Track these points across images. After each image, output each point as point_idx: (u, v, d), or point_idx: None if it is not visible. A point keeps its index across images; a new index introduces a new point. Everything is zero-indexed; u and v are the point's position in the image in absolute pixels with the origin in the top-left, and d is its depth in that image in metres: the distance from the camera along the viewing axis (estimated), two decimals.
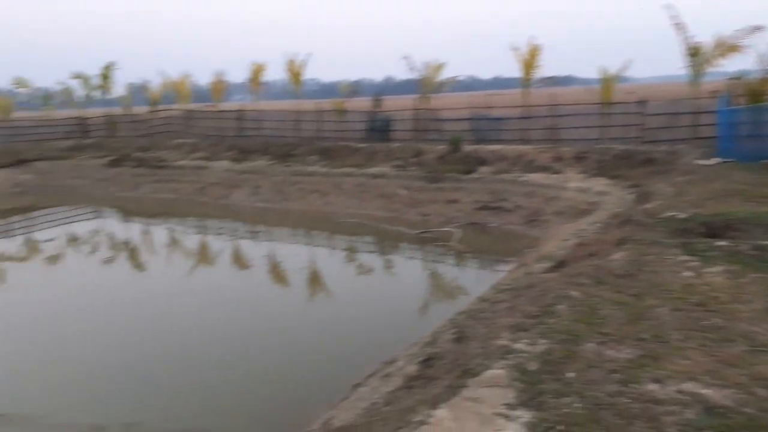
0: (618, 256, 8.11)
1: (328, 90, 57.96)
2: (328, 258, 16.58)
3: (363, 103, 29.87)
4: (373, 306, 12.25)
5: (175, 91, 35.84)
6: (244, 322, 11.28)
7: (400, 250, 16.75)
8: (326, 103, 28.12)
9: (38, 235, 20.63)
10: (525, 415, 4.11)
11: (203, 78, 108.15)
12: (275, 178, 23.75)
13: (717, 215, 9.41)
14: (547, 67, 25.58)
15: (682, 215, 9.89)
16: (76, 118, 36.02)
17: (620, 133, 20.87)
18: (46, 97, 38.64)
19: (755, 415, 3.91)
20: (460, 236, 16.46)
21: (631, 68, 28.97)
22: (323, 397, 7.55)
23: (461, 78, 36.95)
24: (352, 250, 17.04)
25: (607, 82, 22.68)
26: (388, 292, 13.51)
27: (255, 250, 17.63)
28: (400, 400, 5.78)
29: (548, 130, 22.41)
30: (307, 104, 29.79)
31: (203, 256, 17.45)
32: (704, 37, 24.82)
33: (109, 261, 16.95)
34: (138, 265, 16.76)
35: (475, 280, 13.21)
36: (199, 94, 41.29)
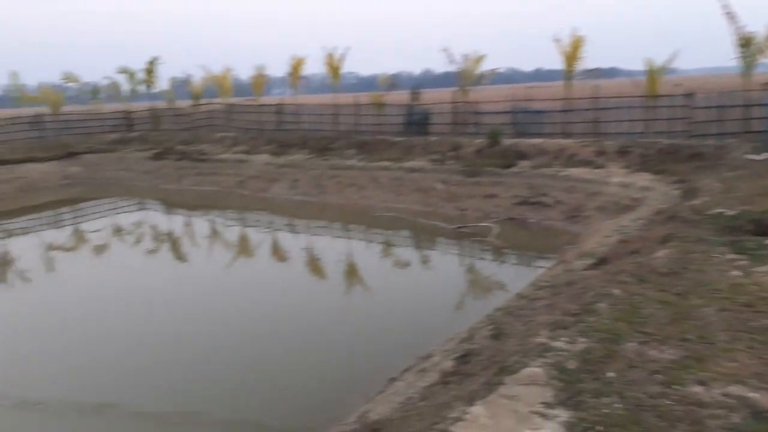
0: (662, 253, 7.90)
1: (367, 83, 58.01)
2: (364, 252, 16.68)
3: (401, 96, 29.79)
4: (408, 300, 12.24)
5: (216, 85, 36.42)
6: (282, 315, 11.45)
7: (436, 245, 16.70)
8: (364, 97, 28.14)
9: (85, 226, 21.38)
10: (563, 414, 4.05)
11: (244, 72, 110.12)
12: (313, 171, 23.96)
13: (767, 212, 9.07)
14: (590, 59, 24.82)
15: (731, 212, 9.56)
16: (122, 111, 37.11)
17: (666, 126, 20.36)
18: (94, 92, 39.83)
19: None
20: (498, 231, 16.30)
21: (679, 59, 27.97)
22: (359, 390, 7.61)
23: (501, 70, 36.22)
24: (388, 244, 17.07)
25: (653, 74, 22.00)
26: (424, 286, 13.48)
27: (293, 242, 17.87)
28: (436, 395, 5.77)
29: (591, 123, 21.95)
30: (346, 98, 29.88)
31: (243, 248, 17.77)
32: (757, 26, 23.82)
33: (153, 252, 17.44)
34: (180, 257, 17.20)
35: (514, 277, 13.04)
36: (240, 89, 41.86)
